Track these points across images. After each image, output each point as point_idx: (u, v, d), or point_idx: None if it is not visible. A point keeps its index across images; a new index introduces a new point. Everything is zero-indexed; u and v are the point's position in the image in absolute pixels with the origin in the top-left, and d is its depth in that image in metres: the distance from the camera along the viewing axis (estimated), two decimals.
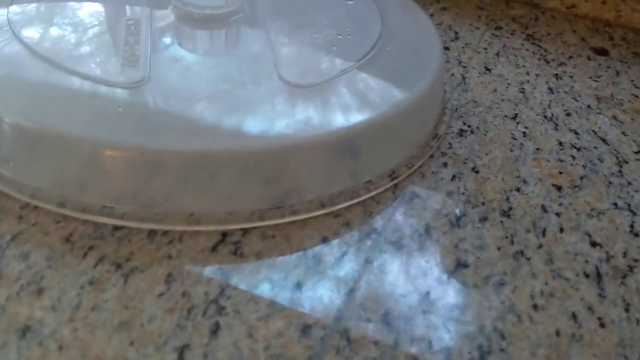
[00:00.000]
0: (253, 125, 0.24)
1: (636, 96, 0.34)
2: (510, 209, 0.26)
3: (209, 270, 0.22)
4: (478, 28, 0.40)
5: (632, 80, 0.35)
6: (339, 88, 0.26)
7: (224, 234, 0.23)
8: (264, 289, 0.21)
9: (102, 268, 0.22)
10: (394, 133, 0.27)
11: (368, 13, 0.32)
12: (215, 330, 0.20)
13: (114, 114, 0.24)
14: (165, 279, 0.21)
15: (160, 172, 0.23)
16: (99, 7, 0.30)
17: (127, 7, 0.30)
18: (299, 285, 0.22)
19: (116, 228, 0.23)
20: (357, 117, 0.26)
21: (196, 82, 0.26)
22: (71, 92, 0.25)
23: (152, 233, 0.23)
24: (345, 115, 0.26)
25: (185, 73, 0.27)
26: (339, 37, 0.30)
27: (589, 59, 0.37)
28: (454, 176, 0.27)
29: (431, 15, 0.41)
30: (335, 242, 0.24)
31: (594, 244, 0.24)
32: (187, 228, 0.23)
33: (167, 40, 0.29)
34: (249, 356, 0.19)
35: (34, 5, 0.29)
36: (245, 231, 0.24)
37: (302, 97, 0.26)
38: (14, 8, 0.29)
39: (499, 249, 0.24)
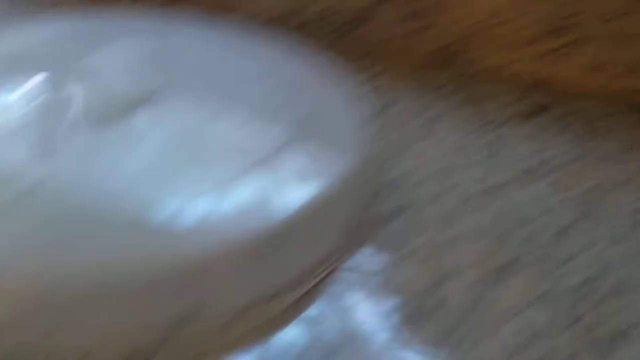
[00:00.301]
0: (165, 230, 0.22)
1: (574, 159, 0.33)
2: (442, 301, 0.24)
3: None
4: (414, 91, 0.39)
5: (569, 142, 0.35)
6: (262, 179, 0.25)
7: (132, 351, 0.21)
8: None
9: None
10: (321, 223, 0.26)
11: (296, 87, 0.31)
12: None
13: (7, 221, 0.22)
14: None
15: (61, 291, 0.21)
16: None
17: (36, 89, 0.29)
18: None
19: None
20: (280, 210, 0.24)
21: (106, 179, 0.24)
22: None
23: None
24: (268, 209, 0.24)
25: (94, 168, 0.25)
26: (263, 117, 0.28)
27: (526, 120, 0.37)
28: (384, 266, 0.26)
29: (367, 79, 0.40)
30: (256, 352, 0.22)
31: (532, 337, 0.23)
32: (91, 346, 0.21)
33: (80, 127, 0.27)
34: None
35: None
36: (157, 345, 0.22)
37: (221, 192, 0.24)
38: None
39: (430, 347, 0.22)
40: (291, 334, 0.23)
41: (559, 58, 0.40)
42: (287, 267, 0.24)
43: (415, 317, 0.23)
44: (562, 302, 0.25)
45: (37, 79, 0.29)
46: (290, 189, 0.25)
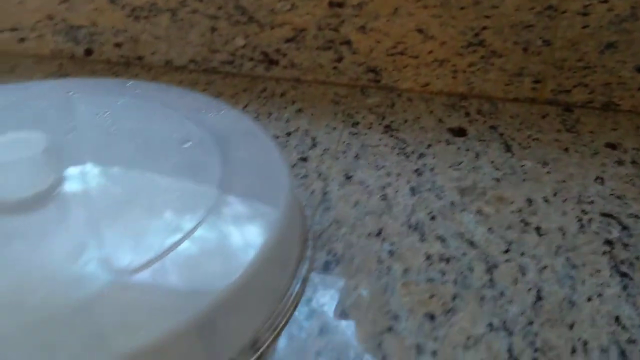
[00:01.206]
0: (75, 339, 0.21)
1: (497, 180, 0.34)
2: (384, 358, 0.24)
3: None
4: (335, 128, 0.39)
5: (492, 162, 0.35)
6: (177, 263, 0.24)
7: None
8: None
9: None
10: (251, 296, 0.25)
11: (207, 155, 0.30)
12: None
13: None
14: None
15: None
16: None
17: None
18: None
19: None
20: (205, 294, 0.23)
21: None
22: None
23: None
24: (193, 294, 0.23)
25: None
26: (174, 197, 0.27)
27: (448, 144, 0.37)
28: (321, 330, 0.25)
29: (287, 120, 0.40)
30: None
31: None
32: None
33: None
34: None
35: None
36: None
37: (136, 285, 0.23)
38: None
39: None
40: None
41: (472, 73, 0.41)
42: (221, 347, 0.23)
43: None
44: (497, 344, 0.24)
45: None
46: (210, 274, 0.24)
